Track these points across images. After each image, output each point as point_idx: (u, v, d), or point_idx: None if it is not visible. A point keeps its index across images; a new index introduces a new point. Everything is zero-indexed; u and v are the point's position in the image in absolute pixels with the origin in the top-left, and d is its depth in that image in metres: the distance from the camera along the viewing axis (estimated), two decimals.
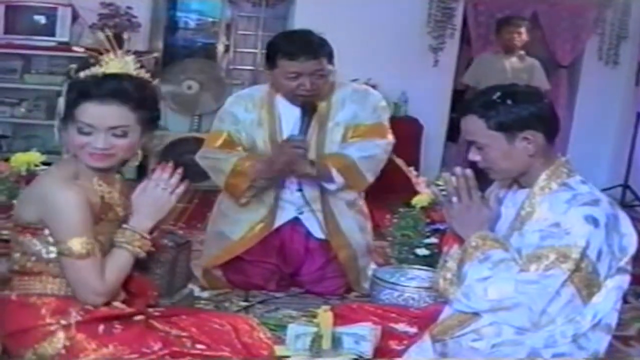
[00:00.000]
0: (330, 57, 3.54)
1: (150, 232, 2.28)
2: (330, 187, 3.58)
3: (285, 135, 3.59)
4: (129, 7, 6.26)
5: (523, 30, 6.16)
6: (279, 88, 3.59)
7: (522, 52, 6.21)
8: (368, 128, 3.61)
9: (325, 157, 3.56)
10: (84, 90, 2.18)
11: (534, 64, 6.25)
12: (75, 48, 2.31)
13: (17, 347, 2.18)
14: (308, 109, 3.53)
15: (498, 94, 2.31)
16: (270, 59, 3.55)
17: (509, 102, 2.29)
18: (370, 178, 3.63)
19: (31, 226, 2.17)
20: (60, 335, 2.14)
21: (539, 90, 2.41)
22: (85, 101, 2.17)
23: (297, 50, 3.45)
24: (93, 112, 2.17)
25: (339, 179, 3.54)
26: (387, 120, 3.73)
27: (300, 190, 3.63)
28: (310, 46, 3.48)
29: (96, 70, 2.22)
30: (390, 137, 3.68)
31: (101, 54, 2.25)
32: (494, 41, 6.67)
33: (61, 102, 2.21)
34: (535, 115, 2.29)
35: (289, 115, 3.59)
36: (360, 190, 3.72)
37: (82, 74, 2.21)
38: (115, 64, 2.24)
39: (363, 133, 3.60)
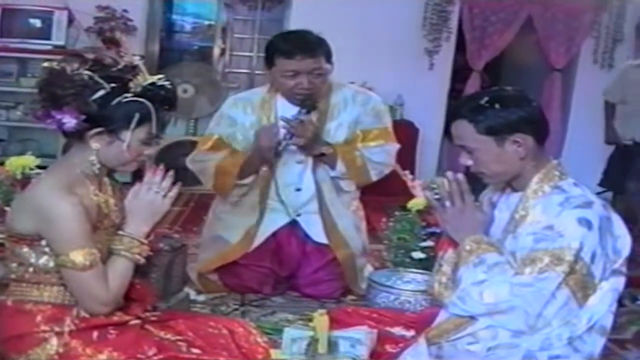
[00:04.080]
0: (328, 56, 3.57)
1: (147, 236, 2.26)
2: (330, 172, 3.64)
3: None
4: (125, 11, 6.27)
5: None
6: (277, 87, 3.63)
7: None
8: (377, 134, 3.67)
9: (339, 146, 3.61)
10: (165, 104, 2.22)
11: None
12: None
13: (10, 352, 2.17)
14: (307, 105, 3.55)
15: (486, 98, 2.32)
16: (269, 58, 3.59)
17: (497, 106, 2.29)
18: (374, 178, 3.70)
19: (27, 237, 2.15)
20: (54, 341, 2.13)
21: (526, 94, 2.41)
22: (164, 113, 2.23)
23: (294, 49, 3.49)
24: (166, 122, 2.27)
25: (341, 168, 3.60)
26: (391, 125, 3.80)
27: (299, 189, 3.65)
28: (307, 45, 3.52)
29: (146, 78, 2.19)
30: (396, 143, 3.76)
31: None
32: (489, 45, 6.68)
33: (135, 116, 2.16)
34: (524, 119, 2.29)
35: (289, 116, 3.58)
36: (361, 184, 3.75)
37: (145, 84, 2.18)
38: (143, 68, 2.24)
39: (374, 138, 3.66)
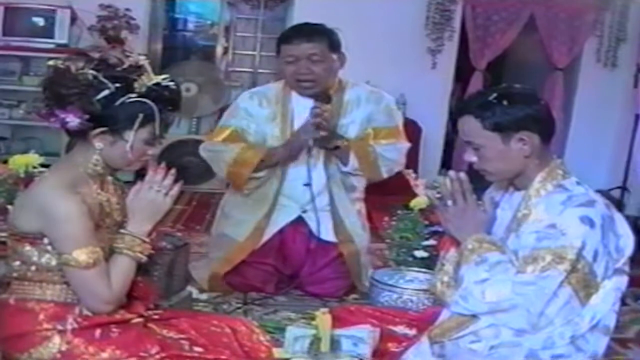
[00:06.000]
0: (331, 44, 3.62)
1: (149, 235, 2.26)
2: (342, 168, 3.66)
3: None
4: (127, 9, 6.26)
5: None
6: (283, 77, 3.69)
7: None
8: (389, 132, 3.71)
9: (352, 140, 3.64)
10: (169, 105, 2.22)
11: None
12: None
13: (13, 351, 2.17)
14: (321, 99, 3.57)
15: (494, 94, 2.32)
16: (277, 48, 3.68)
17: (505, 102, 2.29)
18: (385, 174, 3.73)
19: (29, 236, 2.15)
20: (56, 340, 2.14)
21: (535, 92, 2.41)
22: (168, 114, 2.23)
23: (292, 34, 3.64)
24: (169, 123, 2.26)
25: (354, 162, 3.63)
26: (402, 124, 3.82)
27: (307, 184, 3.65)
28: (304, 30, 3.63)
29: (151, 78, 2.19)
30: (408, 142, 3.80)
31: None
32: (492, 44, 6.67)
33: (139, 116, 2.16)
34: (531, 117, 2.29)
35: (302, 110, 3.63)
36: (372, 180, 3.77)
37: (149, 84, 2.18)
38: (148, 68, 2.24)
39: (386, 136, 3.69)
